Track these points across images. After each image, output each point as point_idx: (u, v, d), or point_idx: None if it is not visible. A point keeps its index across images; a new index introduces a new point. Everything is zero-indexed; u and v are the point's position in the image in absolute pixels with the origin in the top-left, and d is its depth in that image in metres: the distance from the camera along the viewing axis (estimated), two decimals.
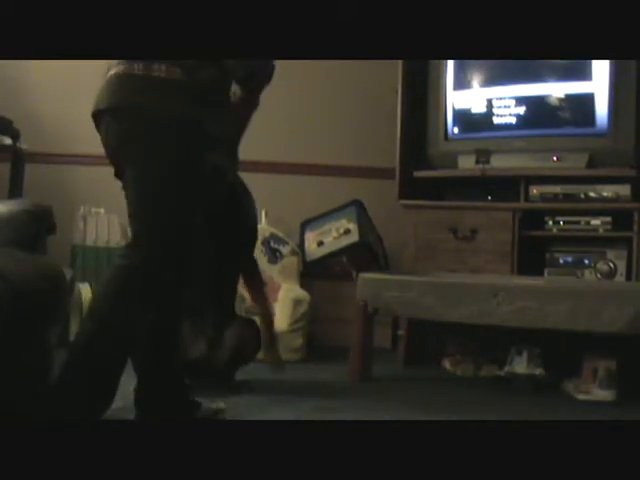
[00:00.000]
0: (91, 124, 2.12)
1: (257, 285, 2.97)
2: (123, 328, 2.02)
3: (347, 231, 3.45)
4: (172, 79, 1.93)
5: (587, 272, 3.39)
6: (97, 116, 2.05)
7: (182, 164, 1.99)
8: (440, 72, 3.71)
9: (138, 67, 1.94)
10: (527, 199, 3.51)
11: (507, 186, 3.55)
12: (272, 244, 3.95)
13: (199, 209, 2.12)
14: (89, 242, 3.90)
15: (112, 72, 2.00)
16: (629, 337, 2.83)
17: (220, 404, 2.44)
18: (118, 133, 2.00)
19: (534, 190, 3.50)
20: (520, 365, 3.10)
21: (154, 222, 2.03)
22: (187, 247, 2.10)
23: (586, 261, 3.42)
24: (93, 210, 3.94)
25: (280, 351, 3.02)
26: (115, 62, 2.01)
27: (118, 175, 2.10)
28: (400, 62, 3.70)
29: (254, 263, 3.01)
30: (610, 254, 3.35)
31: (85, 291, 3.71)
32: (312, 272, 3.90)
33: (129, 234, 2.15)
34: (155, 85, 1.94)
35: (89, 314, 2.08)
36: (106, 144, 2.07)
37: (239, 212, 2.84)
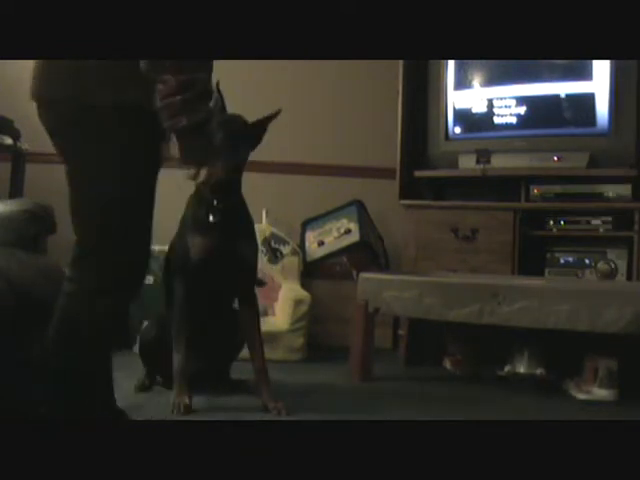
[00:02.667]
0: None
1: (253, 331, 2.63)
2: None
3: (348, 231, 3.44)
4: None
5: (588, 272, 3.39)
6: None
7: (84, 145, 1.88)
8: (440, 72, 3.72)
9: None
10: (528, 199, 3.51)
11: (508, 186, 3.56)
12: (273, 244, 3.95)
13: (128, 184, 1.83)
14: None
15: None
16: (630, 337, 2.83)
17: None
18: None
19: (535, 190, 3.50)
20: (521, 365, 3.10)
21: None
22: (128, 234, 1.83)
23: (587, 261, 3.42)
24: None
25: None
26: None
27: None
28: (400, 62, 3.71)
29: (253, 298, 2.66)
30: (611, 254, 3.35)
31: None
32: (312, 272, 3.90)
33: None
34: (44, 67, 1.85)
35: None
36: None
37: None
